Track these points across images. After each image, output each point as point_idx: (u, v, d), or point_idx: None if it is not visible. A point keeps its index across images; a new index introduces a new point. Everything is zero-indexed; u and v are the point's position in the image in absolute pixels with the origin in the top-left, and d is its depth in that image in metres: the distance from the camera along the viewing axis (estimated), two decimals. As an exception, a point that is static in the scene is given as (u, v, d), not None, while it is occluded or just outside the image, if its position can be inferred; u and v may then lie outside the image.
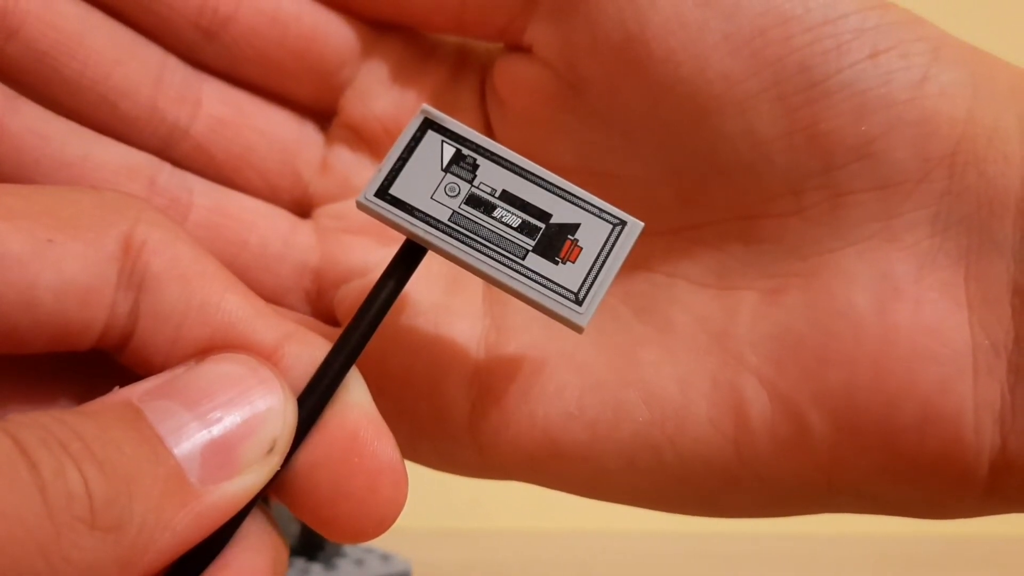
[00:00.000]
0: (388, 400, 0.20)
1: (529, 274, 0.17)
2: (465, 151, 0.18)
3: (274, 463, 0.15)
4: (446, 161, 0.18)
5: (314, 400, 0.16)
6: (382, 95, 0.22)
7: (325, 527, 0.16)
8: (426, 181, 0.17)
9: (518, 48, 0.21)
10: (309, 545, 0.45)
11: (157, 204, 0.20)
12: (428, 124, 0.18)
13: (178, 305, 0.16)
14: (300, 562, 0.44)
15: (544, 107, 0.20)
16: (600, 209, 0.18)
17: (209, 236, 0.21)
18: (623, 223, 0.18)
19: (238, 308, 0.16)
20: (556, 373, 0.20)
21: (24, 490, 0.12)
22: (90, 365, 0.17)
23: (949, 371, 0.17)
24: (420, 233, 0.17)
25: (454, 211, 0.17)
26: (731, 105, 0.18)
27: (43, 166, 0.19)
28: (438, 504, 0.67)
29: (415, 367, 0.21)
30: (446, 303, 0.21)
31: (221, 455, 0.14)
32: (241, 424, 0.15)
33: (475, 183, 0.18)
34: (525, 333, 0.21)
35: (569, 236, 0.18)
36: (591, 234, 0.17)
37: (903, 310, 0.18)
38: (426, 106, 0.18)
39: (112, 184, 0.20)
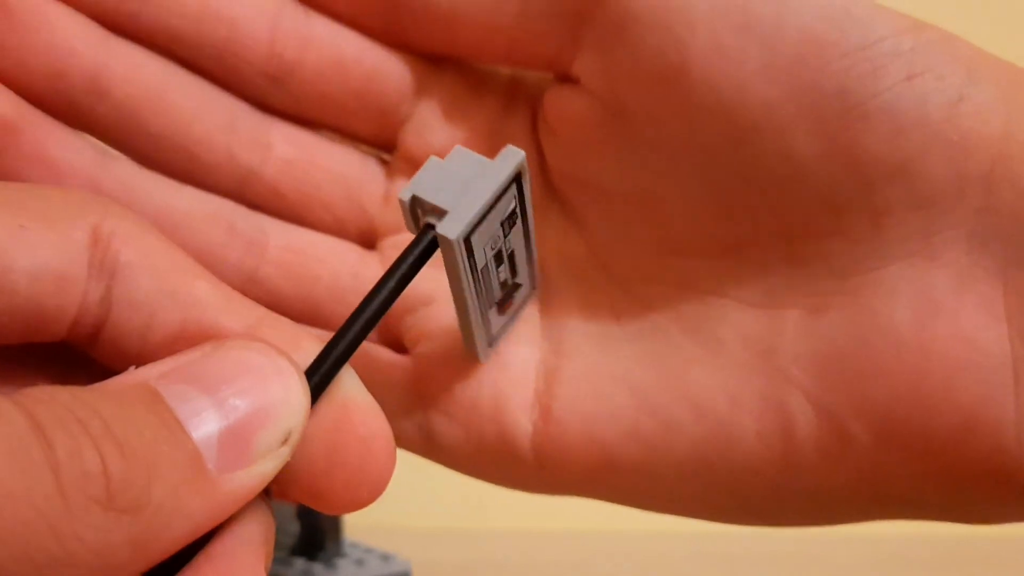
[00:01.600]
0: (456, 426, 0.21)
1: (484, 318, 0.19)
2: (517, 209, 0.19)
3: (286, 454, 0.15)
4: (507, 214, 0.19)
5: (314, 383, 0.16)
6: (439, 128, 0.23)
7: (320, 499, 0.16)
8: (488, 228, 0.18)
9: (567, 79, 0.21)
10: (309, 545, 0.45)
11: (236, 247, 0.21)
12: (517, 176, 0.18)
13: (150, 293, 0.16)
14: (300, 562, 0.44)
15: (592, 135, 0.21)
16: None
17: (284, 274, 0.22)
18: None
19: (208, 295, 0.16)
20: (612, 394, 0.21)
21: (36, 469, 0.12)
22: (61, 362, 0.17)
23: (989, 382, 0.18)
24: (465, 286, 0.18)
25: (486, 263, 0.19)
26: (771, 129, 0.19)
27: None
28: (438, 504, 0.67)
29: (480, 394, 0.21)
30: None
31: (237, 443, 0.14)
32: (258, 412, 0.15)
33: (505, 240, 0.19)
34: (581, 356, 0.21)
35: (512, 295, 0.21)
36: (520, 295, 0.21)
37: (943, 324, 0.18)
38: (520, 155, 0.18)
39: (195, 231, 0.21)
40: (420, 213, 0.18)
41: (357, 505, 0.17)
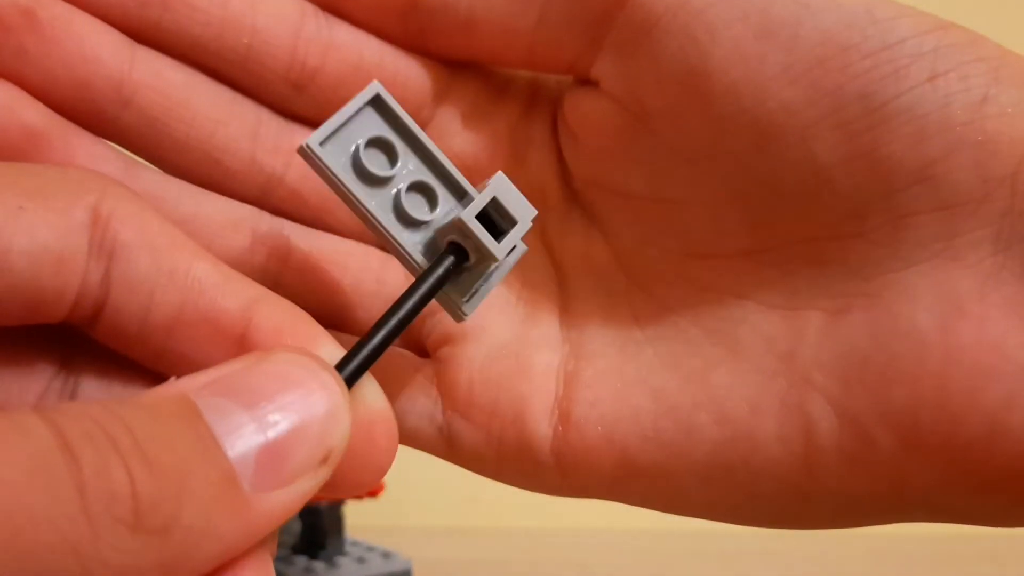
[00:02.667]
0: (477, 430, 0.22)
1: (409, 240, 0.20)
2: (394, 137, 0.19)
3: (325, 474, 0.15)
4: (378, 136, 0.19)
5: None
6: (459, 133, 0.23)
7: (326, 485, 0.16)
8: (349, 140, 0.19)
9: (587, 82, 0.21)
10: (311, 544, 0.45)
11: (259, 252, 0.21)
12: (375, 101, 0.19)
13: (149, 273, 0.16)
14: (303, 560, 0.44)
15: (613, 139, 0.21)
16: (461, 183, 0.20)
17: (307, 280, 0.22)
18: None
19: (207, 274, 0.16)
20: (632, 397, 0.21)
21: (61, 489, 0.12)
22: (63, 343, 0.17)
23: (1014, 387, 0.17)
24: (346, 189, 0.19)
25: (392, 187, 0.19)
26: (792, 133, 0.19)
27: None
28: (439, 503, 0.67)
29: (501, 399, 0.21)
30: (525, 334, 0.22)
31: (276, 461, 0.14)
32: (299, 430, 0.14)
33: (400, 166, 0.20)
34: (601, 359, 0.21)
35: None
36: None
37: (967, 328, 0.18)
38: (374, 86, 0.19)
39: (219, 237, 0.21)
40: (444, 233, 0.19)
41: (363, 488, 0.16)
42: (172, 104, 0.20)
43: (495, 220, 0.19)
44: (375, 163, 0.19)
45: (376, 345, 0.17)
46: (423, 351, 0.23)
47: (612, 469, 0.21)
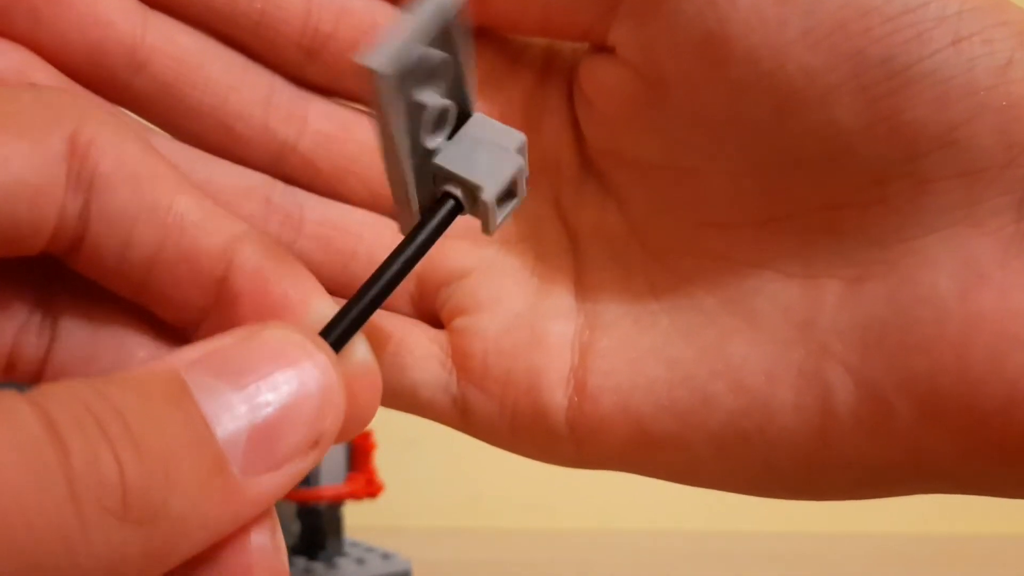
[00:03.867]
0: (491, 400, 0.21)
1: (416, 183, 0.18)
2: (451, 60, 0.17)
3: (315, 458, 0.14)
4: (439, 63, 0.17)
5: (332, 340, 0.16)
6: (476, 99, 0.22)
7: None
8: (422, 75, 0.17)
9: (603, 49, 0.21)
10: (310, 545, 0.45)
11: (273, 221, 0.21)
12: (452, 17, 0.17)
13: (129, 207, 0.15)
14: (302, 561, 0.44)
15: (629, 106, 0.21)
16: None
17: (321, 248, 0.21)
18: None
19: (188, 209, 0.16)
20: (647, 367, 0.21)
21: (49, 477, 0.12)
22: (41, 273, 0.17)
23: None
24: (395, 131, 0.17)
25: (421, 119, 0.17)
26: (813, 99, 0.18)
27: None
28: (438, 503, 0.67)
29: (515, 370, 0.21)
30: (540, 305, 0.22)
31: (266, 444, 0.14)
32: (290, 412, 0.14)
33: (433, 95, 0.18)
34: (616, 329, 0.21)
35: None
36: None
37: (988, 296, 0.18)
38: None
39: (232, 205, 0.20)
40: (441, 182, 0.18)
41: (343, 438, 0.16)
42: (185, 69, 0.20)
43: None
44: (421, 88, 0.17)
45: (367, 304, 0.16)
46: (437, 322, 0.23)
47: (627, 439, 0.21)
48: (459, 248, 0.22)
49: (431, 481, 0.66)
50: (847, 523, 0.66)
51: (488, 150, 0.18)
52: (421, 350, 0.22)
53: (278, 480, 0.14)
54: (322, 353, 0.15)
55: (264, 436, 0.14)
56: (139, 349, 0.17)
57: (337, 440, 0.16)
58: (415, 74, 0.16)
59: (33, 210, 0.15)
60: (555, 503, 0.66)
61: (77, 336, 0.17)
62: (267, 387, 0.14)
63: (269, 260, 0.16)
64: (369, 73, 0.16)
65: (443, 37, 0.17)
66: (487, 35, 0.22)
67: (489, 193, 0.17)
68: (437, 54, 0.17)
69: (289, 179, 0.22)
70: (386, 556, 0.45)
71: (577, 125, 0.22)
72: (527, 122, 0.22)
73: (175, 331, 0.17)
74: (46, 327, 0.17)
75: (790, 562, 0.57)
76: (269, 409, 0.14)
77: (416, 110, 0.17)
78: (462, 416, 0.22)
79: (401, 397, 0.22)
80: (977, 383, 0.18)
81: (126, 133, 0.16)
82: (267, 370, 0.14)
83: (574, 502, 0.66)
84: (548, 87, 0.22)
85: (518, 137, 0.18)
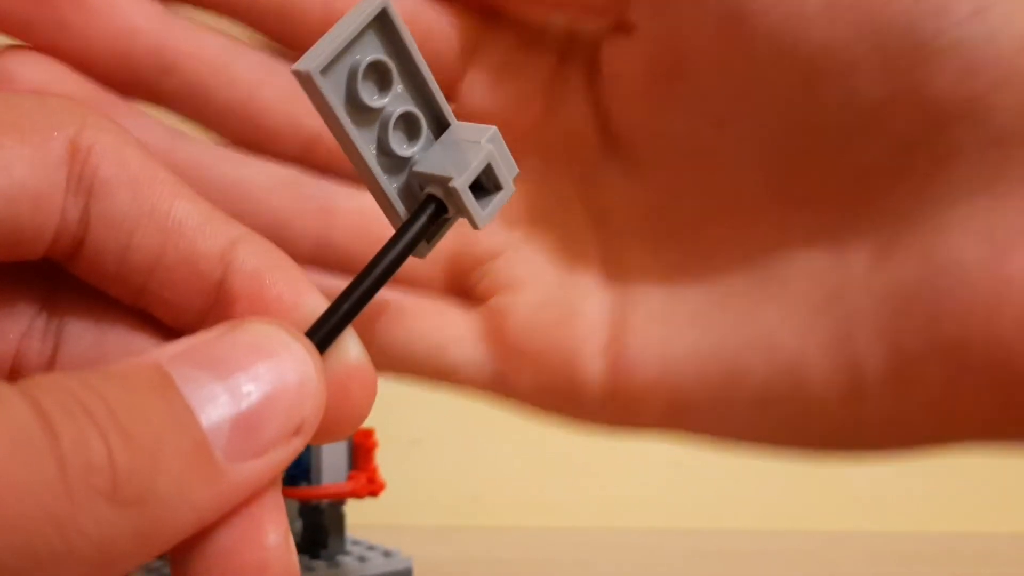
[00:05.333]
0: (527, 378, 0.22)
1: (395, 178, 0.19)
2: (393, 62, 0.18)
3: (298, 444, 0.15)
4: (376, 61, 0.18)
5: (317, 339, 0.16)
6: (495, 85, 0.22)
7: None
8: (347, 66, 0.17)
9: (623, 27, 0.21)
10: (312, 543, 0.45)
11: (307, 214, 0.21)
12: (380, 16, 0.17)
13: (129, 211, 0.16)
14: (303, 559, 0.44)
15: (652, 84, 0.21)
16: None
17: (355, 237, 0.22)
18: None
19: (187, 214, 0.16)
20: (680, 339, 0.21)
21: (40, 461, 0.12)
22: (42, 277, 0.17)
23: None
24: (342, 125, 0.17)
25: (369, 108, 0.18)
26: (834, 72, 0.18)
27: (203, 192, 0.20)
28: (439, 502, 0.67)
29: (550, 345, 0.22)
30: (569, 282, 0.22)
31: (249, 432, 0.14)
32: (271, 401, 0.14)
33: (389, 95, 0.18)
34: (647, 303, 0.22)
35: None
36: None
37: (1016, 262, 0.18)
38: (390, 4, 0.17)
39: (266, 202, 0.21)
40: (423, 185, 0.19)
41: (337, 437, 0.17)
42: (212, 69, 0.20)
43: (481, 180, 0.19)
44: (368, 92, 0.18)
45: (353, 303, 0.17)
46: (471, 302, 0.23)
47: (664, 407, 0.21)
48: (490, 230, 0.22)
49: (433, 480, 0.66)
50: (847, 522, 0.66)
51: (460, 147, 0.18)
52: (457, 330, 0.22)
53: (262, 466, 0.14)
54: (299, 344, 0.15)
55: (247, 424, 0.14)
56: (144, 353, 0.17)
57: (334, 437, 0.16)
58: (354, 76, 0.17)
59: (34, 214, 0.15)
60: (556, 502, 0.66)
61: (82, 341, 0.17)
62: (248, 377, 0.14)
63: (266, 263, 0.16)
64: (298, 76, 0.17)
65: (383, 40, 0.17)
66: (507, 20, 0.22)
67: (458, 181, 0.18)
68: (377, 56, 0.17)
69: (319, 170, 0.22)
70: (388, 554, 0.45)
71: (599, 105, 0.22)
72: (548, 104, 0.23)
73: (179, 334, 0.18)
74: (50, 332, 0.17)
75: (790, 561, 0.58)
76: (251, 398, 0.14)
77: (372, 116, 0.18)
78: (496, 388, 0.22)
79: (441, 376, 0.22)
80: (1006, 349, 0.18)
81: (126, 138, 0.16)
82: (248, 361, 0.14)
83: (574, 501, 0.66)
84: (569, 69, 0.23)
85: (489, 130, 0.18)
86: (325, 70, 0.17)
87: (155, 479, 0.13)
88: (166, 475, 0.13)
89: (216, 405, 0.14)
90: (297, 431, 0.15)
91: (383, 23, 0.17)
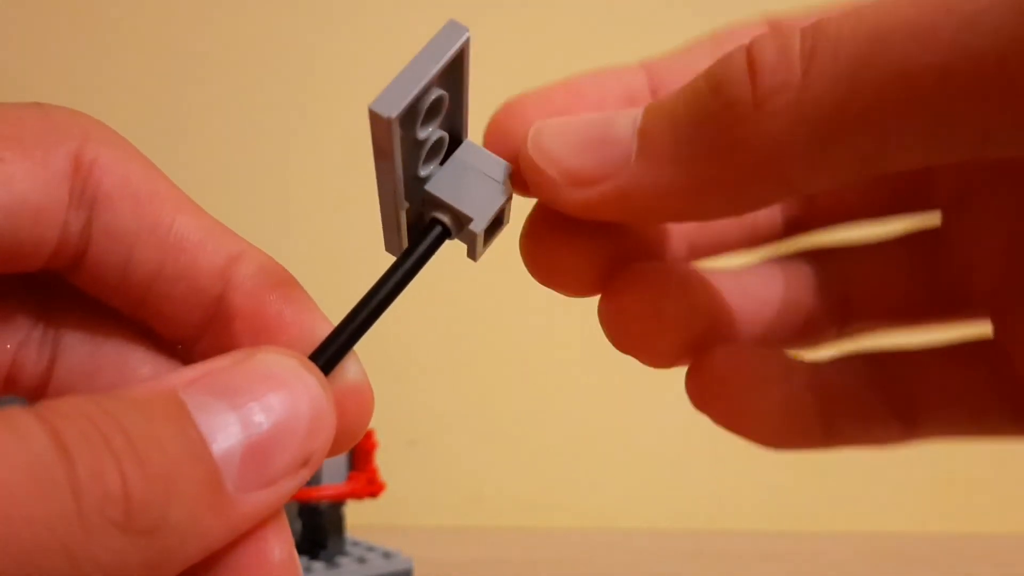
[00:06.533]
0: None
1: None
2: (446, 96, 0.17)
3: (306, 476, 0.15)
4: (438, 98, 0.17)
5: (322, 362, 0.16)
6: None
7: None
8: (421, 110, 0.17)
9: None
10: (312, 544, 0.45)
11: None
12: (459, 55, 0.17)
13: (130, 225, 0.16)
14: (303, 560, 0.44)
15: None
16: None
17: None
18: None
19: (189, 229, 0.16)
20: None
21: (57, 490, 0.12)
22: (43, 290, 0.17)
23: None
24: (396, 167, 0.17)
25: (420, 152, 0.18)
26: None
27: None
28: (440, 502, 0.67)
29: None
30: None
31: (259, 463, 0.14)
32: (282, 432, 0.14)
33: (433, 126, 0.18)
34: None
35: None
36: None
37: None
38: (464, 32, 0.16)
39: None
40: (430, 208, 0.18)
41: (330, 456, 0.17)
42: None
43: None
44: (423, 126, 0.17)
45: (357, 327, 0.17)
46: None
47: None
48: None
49: (432, 480, 0.66)
50: (847, 522, 0.66)
51: (477, 179, 0.18)
52: None
53: (270, 496, 0.14)
54: (313, 376, 0.15)
55: (257, 454, 0.14)
56: (141, 365, 0.17)
57: (328, 455, 0.16)
58: (416, 113, 0.17)
59: (36, 227, 0.15)
60: (556, 502, 0.66)
61: (79, 352, 0.17)
62: (260, 407, 0.14)
63: (266, 280, 0.16)
64: (375, 117, 0.16)
65: (447, 75, 0.17)
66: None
67: (479, 225, 0.18)
68: (439, 92, 0.17)
69: None
70: (387, 555, 0.45)
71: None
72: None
73: (176, 346, 0.17)
74: (47, 342, 0.17)
75: (790, 561, 0.57)
76: (262, 428, 0.14)
77: (416, 146, 0.17)
78: None
79: None
80: None
81: (129, 152, 0.16)
82: (260, 391, 0.14)
83: (575, 501, 0.66)
84: None
85: (504, 166, 0.18)
86: (403, 116, 0.16)
87: (167, 509, 0.13)
88: (178, 505, 0.13)
89: (228, 435, 0.14)
90: (305, 462, 0.15)
91: (457, 59, 0.17)
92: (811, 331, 0.22)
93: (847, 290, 0.22)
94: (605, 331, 0.20)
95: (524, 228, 0.19)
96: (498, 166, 0.18)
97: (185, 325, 0.17)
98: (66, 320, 0.17)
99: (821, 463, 0.67)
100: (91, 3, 0.67)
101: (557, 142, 0.17)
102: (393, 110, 0.16)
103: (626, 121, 0.17)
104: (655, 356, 0.20)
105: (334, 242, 0.66)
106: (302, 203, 0.67)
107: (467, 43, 0.16)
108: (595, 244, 0.19)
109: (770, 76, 0.15)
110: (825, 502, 0.67)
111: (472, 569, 0.54)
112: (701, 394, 0.20)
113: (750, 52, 0.15)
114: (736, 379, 0.20)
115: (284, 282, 0.17)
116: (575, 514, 0.66)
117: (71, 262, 0.16)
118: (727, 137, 0.15)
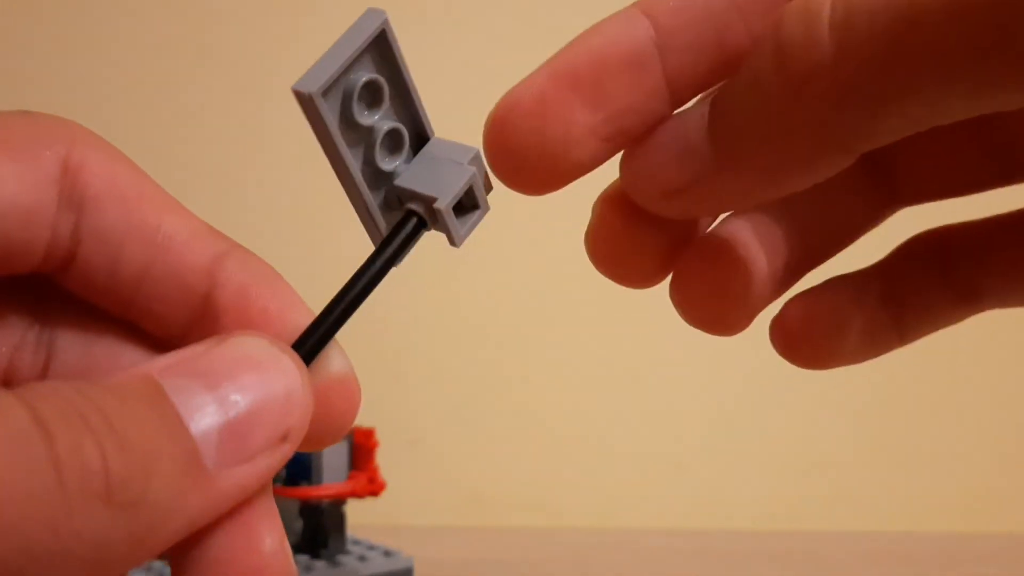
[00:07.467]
0: None
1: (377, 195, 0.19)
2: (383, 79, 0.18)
3: (287, 451, 0.15)
4: (371, 80, 0.18)
5: (303, 352, 0.16)
6: None
7: None
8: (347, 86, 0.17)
9: None
10: (313, 542, 0.45)
11: None
12: (380, 35, 0.17)
13: (118, 226, 0.16)
14: (304, 559, 0.44)
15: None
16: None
17: None
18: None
19: (176, 229, 0.16)
20: None
21: (38, 465, 0.12)
22: (37, 292, 0.17)
23: None
24: (337, 145, 0.17)
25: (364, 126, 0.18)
26: None
27: None
28: (440, 502, 0.67)
29: None
30: None
31: (237, 439, 0.14)
32: (258, 409, 0.15)
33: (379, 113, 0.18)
34: None
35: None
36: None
37: None
38: (382, 15, 0.17)
39: None
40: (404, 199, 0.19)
41: (321, 446, 0.17)
42: None
43: (462, 200, 0.19)
44: (360, 110, 0.18)
45: (336, 318, 0.17)
46: None
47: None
48: None
49: (433, 480, 0.66)
50: (847, 522, 0.66)
51: (443, 165, 0.19)
52: None
53: (250, 472, 0.15)
54: (286, 356, 0.15)
55: (235, 432, 0.14)
56: (133, 364, 0.18)
57: (318, 446, 0.17)
58: (349, 95, 0.17)
59: (25, 230, 0.15)
60: (556, 502, 0.67)
61: (73, 352, 0.17)
62: (235, 388, 0.15)
63: (251, 276, 0.17)
64: (299, 96, 0.17)
65: (377, 58, 0.18)
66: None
67: (443, 202, 0.18)
68: (372, 75, 0.18)
69: None
70: (388, 554, 0.45)
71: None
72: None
73: (166, 345, 0.18)
74: (43, 344, 0.17)
75: (790, 561, 0.58)
76: (238, 407, 0.14)
77: (363, 133, 0.18)
78: None
79: None
80: None
81: (115, 155, 0.16)
82: (235, 372, 0.15)
83: (575, 501, 0.66)
84: None
85: (471, 150, 0.19)
86: (325, 92, 0.17)
87: (148, 484, 0.13)
88: (158, 480, 0.13)
89: (205, 414, 0.14)
90: (284, 438, 0.15)
91: (381, 42, 0.18)
92: (857, 212, 0.22)
93: (893, 160, 0.22)
94: (681, 310, 0.20)
95: (590, 227, 0.20)
96: (466, 152, 0.19)
97: (174, 323, 0.17)
98: (59, 322, 0.18)
99: (821, 463, 0.67)
100: (86, 3, 0.67)
101: (641, 164, 0.18)
102: (312, 86, 0.16)
103: (697, 124, 0.17)
104: (732, 324, 0.21)
105: (322, 239, 0.66)
106: (290, 201, 0.68)
107: (386, 24, 0.17)
108: (661, 230, 0.19)
109: (802, 58, 0.15)
110: (825, 502, 0.67)
111: (472, 569, 0.54)
112: (787, 346, 0.21)
113: (777, 34, 0.15)
114: (817, 328, 0.21)
115: (269, 279, 0.17)
116: (575, 514, 0.66)
117: (61, 264, 0.16)
118: (791, 119, 0.15)
